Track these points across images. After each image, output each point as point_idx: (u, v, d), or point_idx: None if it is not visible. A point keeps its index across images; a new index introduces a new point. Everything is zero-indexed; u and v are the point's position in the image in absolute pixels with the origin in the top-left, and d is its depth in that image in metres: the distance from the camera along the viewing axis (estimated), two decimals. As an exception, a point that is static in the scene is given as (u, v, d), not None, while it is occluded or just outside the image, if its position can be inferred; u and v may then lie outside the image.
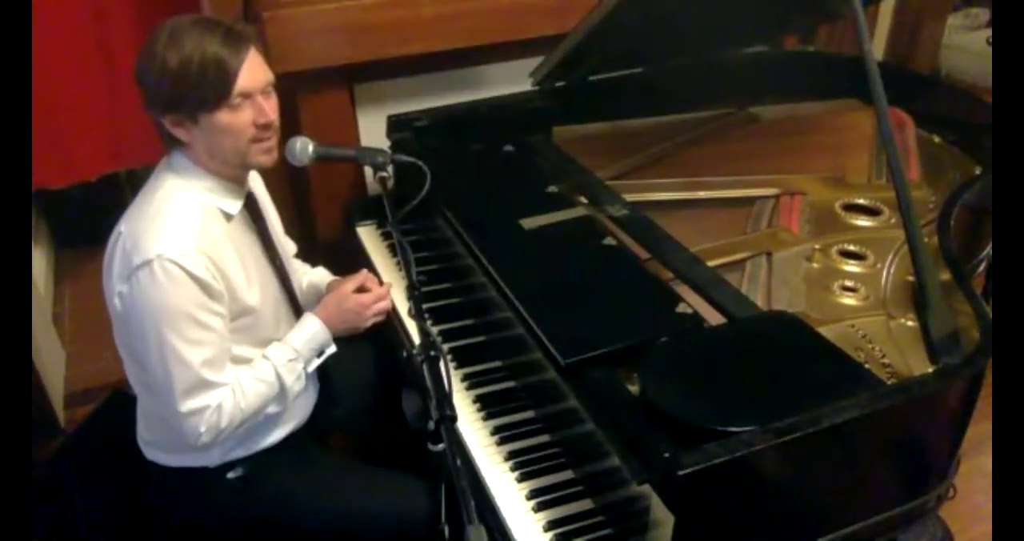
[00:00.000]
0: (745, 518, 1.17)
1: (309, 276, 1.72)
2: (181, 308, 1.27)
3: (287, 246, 1.67)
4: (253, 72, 1.29)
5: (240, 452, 1.48)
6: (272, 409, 1.45)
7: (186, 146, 1.33)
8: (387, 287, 1.57)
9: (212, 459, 1.46)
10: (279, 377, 1.42)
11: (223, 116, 1.28)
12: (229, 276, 1.35)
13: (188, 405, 1.30)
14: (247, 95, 1.29)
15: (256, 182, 1.55)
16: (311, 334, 1.48)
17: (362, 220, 2.09)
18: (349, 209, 2.12)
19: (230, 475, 1.47)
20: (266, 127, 1.32)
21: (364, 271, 1.58)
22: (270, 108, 1.33)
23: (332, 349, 1.52)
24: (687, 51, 2.13)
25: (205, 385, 1.31)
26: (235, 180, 1.40)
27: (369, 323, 1.53)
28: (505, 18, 2.10)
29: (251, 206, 1.46)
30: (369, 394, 1.77)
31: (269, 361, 1.43)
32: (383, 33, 2.01)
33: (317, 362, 1.50)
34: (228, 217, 1.40)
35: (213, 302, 1.30)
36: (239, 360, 1.41)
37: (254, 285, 1.42)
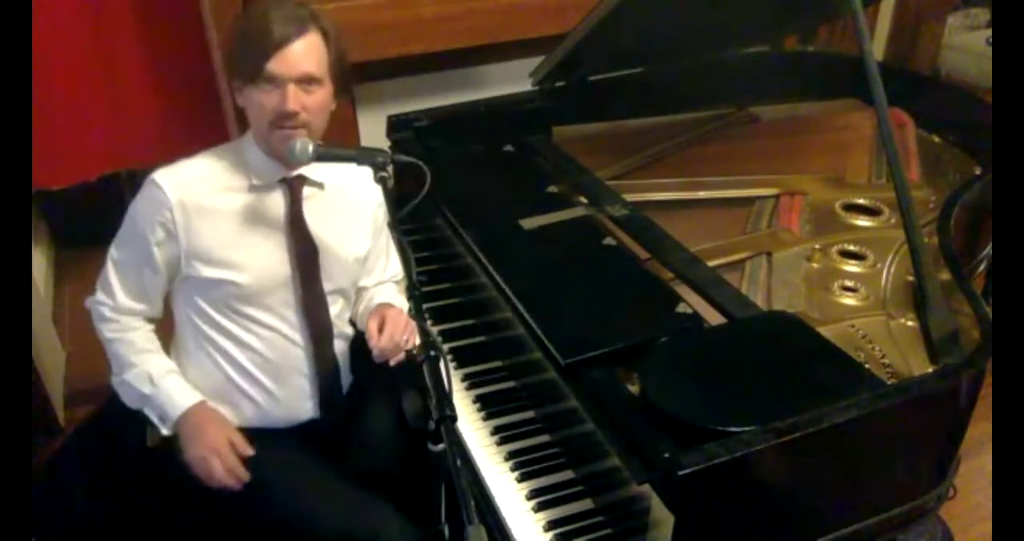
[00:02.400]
0: (745, 518, 1.17)
1: (378, 299, 1.60)
2: (132, 211, 1.42)
3: (378, 270, 1.63)
4: (287, 57, 1.31)
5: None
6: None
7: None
8: (233, 462, 1.37)
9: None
10: (131, 366, 1.44)
11: (254, 93, 1.35)
12: (199, 223, 1.39)
13: (97, 296, 1.47)
14: (275, 81, 1.32)
15: (363, 192, 1.52)
16: (170, 401, 1.42)
17: (362, 220, 2.09)
18: (349, 209, 2.12)
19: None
20: (285, 116, 1.33)
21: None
22: (303, 100, 1.33)
23: (164, 432, 1.43)
24: (687, 51, 2.13)
25: (104, 280, 1.45)
26: (279, 160, 1.41)
27: (189, 457, 1.38)
28: (505, 18, 2.10)
29: (293, 192, 1.45)
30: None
31: (150, 359, 1.45)
32: (383, 33, 2.01)
33: (153, 417, 1.44)
34: (252, 185, 1.43)
35: (150, 232, 1.39)
36: (225, 332, 1.44)
37: (246, 254, 1.42)
